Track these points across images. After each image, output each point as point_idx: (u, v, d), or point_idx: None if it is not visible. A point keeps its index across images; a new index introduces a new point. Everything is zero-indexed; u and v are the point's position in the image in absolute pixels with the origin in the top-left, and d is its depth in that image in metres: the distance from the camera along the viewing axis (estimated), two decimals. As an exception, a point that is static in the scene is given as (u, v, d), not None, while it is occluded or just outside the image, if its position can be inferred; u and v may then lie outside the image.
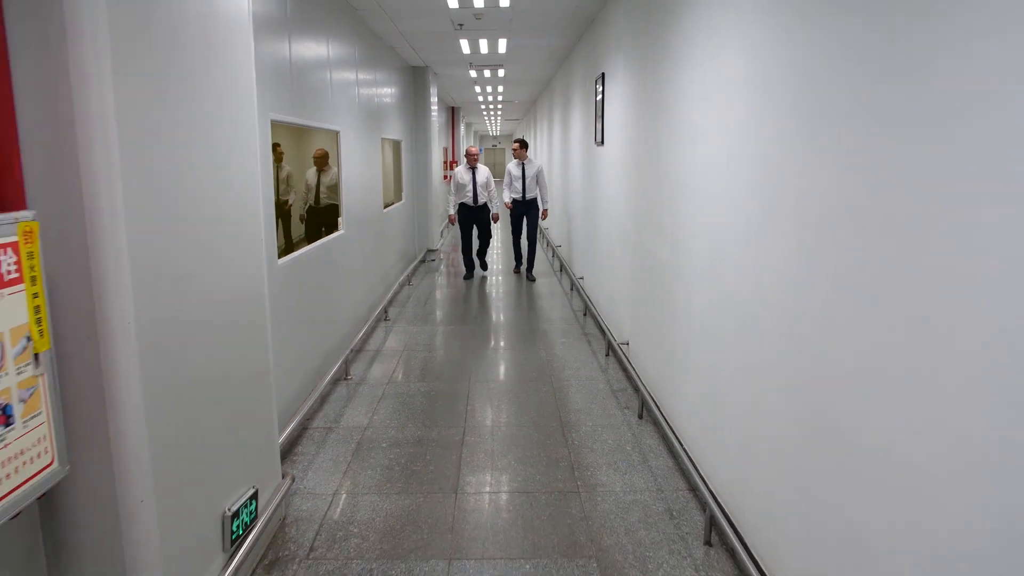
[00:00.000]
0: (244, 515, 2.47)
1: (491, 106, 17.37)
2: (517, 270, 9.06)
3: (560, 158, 9.86)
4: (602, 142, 6.07)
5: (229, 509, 2.38)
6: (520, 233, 8.72)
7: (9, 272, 1.41)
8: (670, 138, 3.70)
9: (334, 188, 6.30)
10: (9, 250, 1.42)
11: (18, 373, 1.45)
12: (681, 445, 3.37)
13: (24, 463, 1.47)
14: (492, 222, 8.57)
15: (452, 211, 8.56)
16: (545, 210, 8.70)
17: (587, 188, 7.13)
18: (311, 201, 7.41)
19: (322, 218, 7.09)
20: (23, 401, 1.46)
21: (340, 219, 5.49)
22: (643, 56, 4.35)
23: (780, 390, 2.28)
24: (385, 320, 6.59)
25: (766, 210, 2.39)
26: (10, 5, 1.59)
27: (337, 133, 5.37)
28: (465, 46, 7.99)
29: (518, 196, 8.37)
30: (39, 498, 1.64)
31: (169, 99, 1.99)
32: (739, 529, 2.62)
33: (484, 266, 8.99)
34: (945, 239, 1.43)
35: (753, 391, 2.53)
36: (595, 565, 2.66)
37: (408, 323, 6.50)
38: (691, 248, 3.32)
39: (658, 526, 2.93)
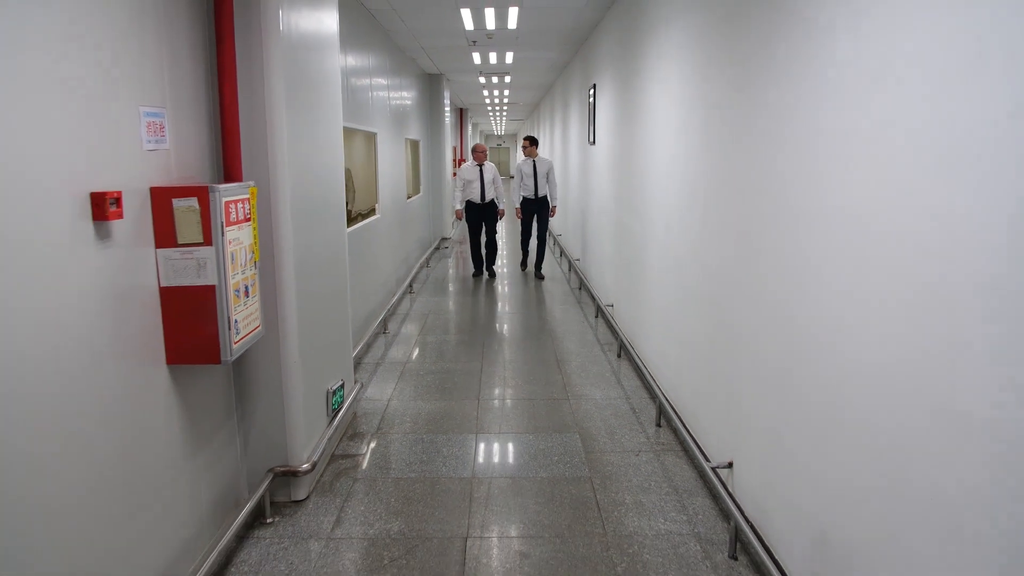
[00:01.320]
0: (338, 395, 3.63)
1: (497, 108, 18.52)
2: (524, 265, 9.07)
3: (560, 155, 11.01)
4: (594, 142, 7.23)
5: (330, 389, 3.54)
6: (530, 232, 8.65)
7: (245, 214, 2.56)
8: (640, 139, 4.86)
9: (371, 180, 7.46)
10: (245, 202, 2.56)
11: (250, 271, 2.60)
12: (646, 370, 4.53)
13: (251, 322, 2.62)
14: (500, 217, 8.53)
15: (459, 206, 8.57)
16: (554, 207, 8.60)
17: (582, 181, 8.29)
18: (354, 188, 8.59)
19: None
20: (249, 287, 2.61)
21: (376, 205, 6.66)
22: (622, 72, 5.51)
23: (703, 316, 3.42)
24: (410, 292, 7.77)
25: (690, 192, 3.55)
26: (239, 73, 2.74)
27: (375, 134, 6.53)
28: (476, 58, 9.15)
29: (530, 195, 8.30)
30: (214, 363, 2.80)
31: (305, 117, 3.15)
32: (679, 413, 3.77)
33: (492, 274, 8.68)
34: (767, 202, 2.59)
35: (687, 318, 3.68)
36: (577, 435, 3.82)
37: (429, 295, 7.67)
38: (653, 220, 4.48)
39: (624, 417, 4.09)
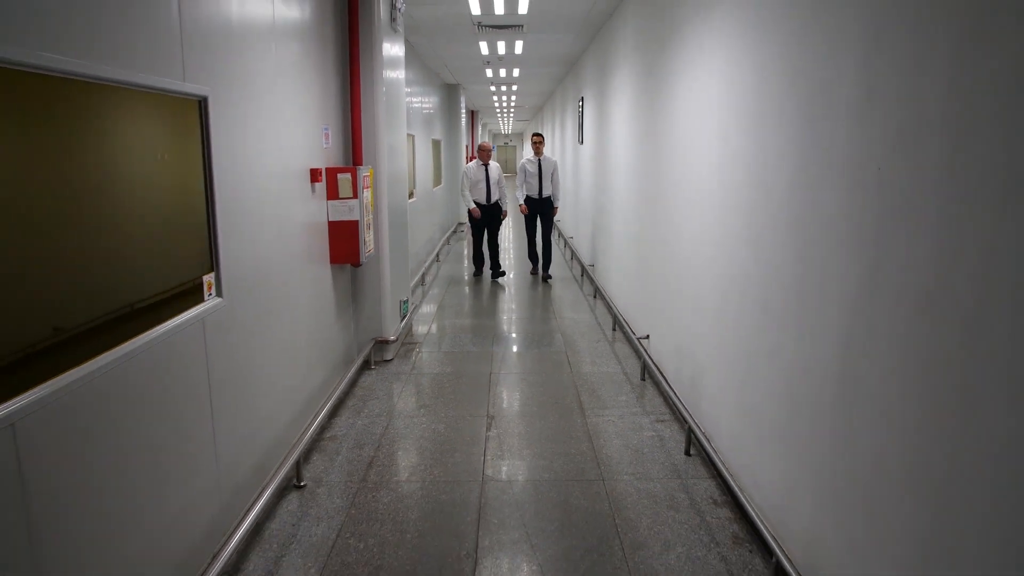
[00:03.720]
0: (404, 306, 5.65)
1: (505, 110, 20.53)
2: (534, 271, 8.65)
3: (559, 152, 13.03)
4: (582, 142, 9.24)
5: (401, 299, 5.57)
6: (535, 233, 8.44)
7: (368, 184, 4.56)
8: (607, 141, 6.87)
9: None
10: (367, 177, 4.56)
11: (369, 216, 4.60)
12: (610, 301, 6.53)
13: (370, 244, 4.63)
14: (503, 218, 8.38)
15: (472, 205, 8.26)
16: (556, 207, 8.42)
17: (574, 173, 10.31)
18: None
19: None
20: (370, 224, 4.62)
21: (413, 190, 8.69)
22: (599, 91, 7.52)
23: (635, 255, 5.41)
24: (437, 261, 9.81)
25: (629, 175, 5.55)
26: (362, 105, 4.75)
27: (413, 136, 8.56)
28: (489, 72, 11.17)
29: (534, 194, 8.13)
30: (356, 266, 4.81)
31: (391, 130, 5.17)
32: (625, 320, 5.77)
33: (502, 273, 8.46)
34: (660, 180, 4.60)
35: (629, 258, 5.69)
36: (560, 336, 5.85)
37: (451, 265, 9.71)
38: (615, 194, 6.49)
39: (592, 330, 6.10)
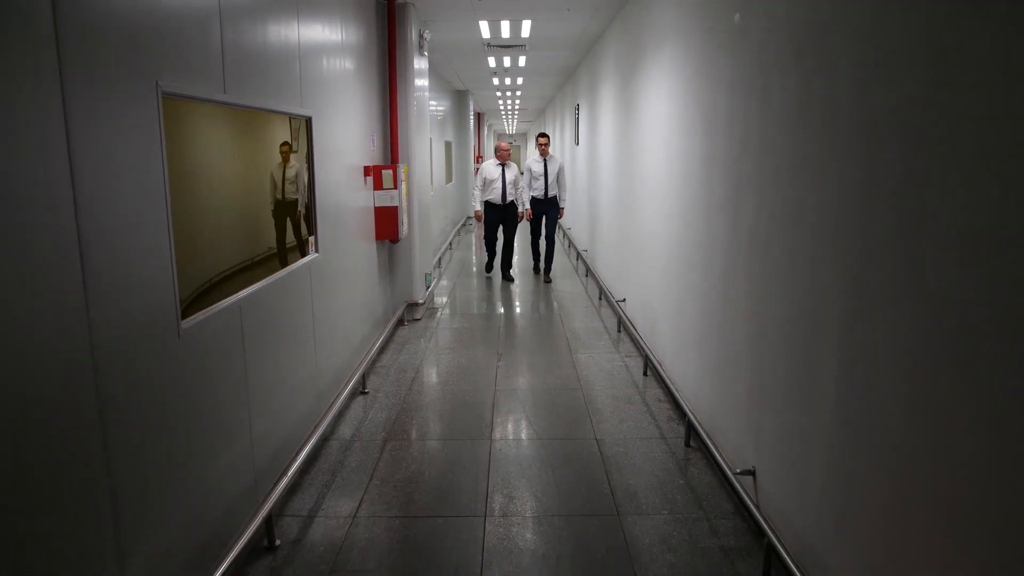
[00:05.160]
0: (428, 278, 6.94)
1: (509, 112, 21.82)
2: (536, 268, 8.75)
3: (559, 151, 14.31)
4: (578, 143, 10.52)
5: (426, 272, 6.85)
6: (539, 233, 8.45)
7: (403, 178, 5.83)
8: (597, 142, 8.14)
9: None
10: (402, 172, 5.83)
11: (404, 203, 5.88)
12: (598, 277, 7.80)
13: (404, 224, 5.90)
14: (519, 221, 8.28)
15: (478, 207, 8.21)
16: (562, 208, 8.43)
17: (571, 170, 11.58)
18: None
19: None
20: (404, 211, 5.89)
21: (431, 184, 9.96)
22: (589, 99, 8.79)
23: (616, 232, 6.68)
24: (451, 248, 11.10)
25: (612, 168, 6.83)
26: (398, 114, 6.04)
27: (430, 139, 9.84)
28: (495, 80, 12.44)
29: (539, 194, 8.14)
30: (394, 242, 6.09)
31: (418, 133, 6.44)
32: (607, 289, 7.03)
33: (511, 277, 8.40)
34: (632, 172, 5.88)
35: (610, 233, 6.96)
36: (556, 304, 7.12)
37: (463, 252, 11.01)
38: (601, 187, 7.76)
39: (582, 299, 7.38)
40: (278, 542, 2.83)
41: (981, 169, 1.52)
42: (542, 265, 8.52)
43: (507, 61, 9.83)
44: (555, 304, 7.12)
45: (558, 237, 12.26)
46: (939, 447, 1.66)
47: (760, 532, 2.71)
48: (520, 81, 12.50)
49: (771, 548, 2.57)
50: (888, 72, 1.87)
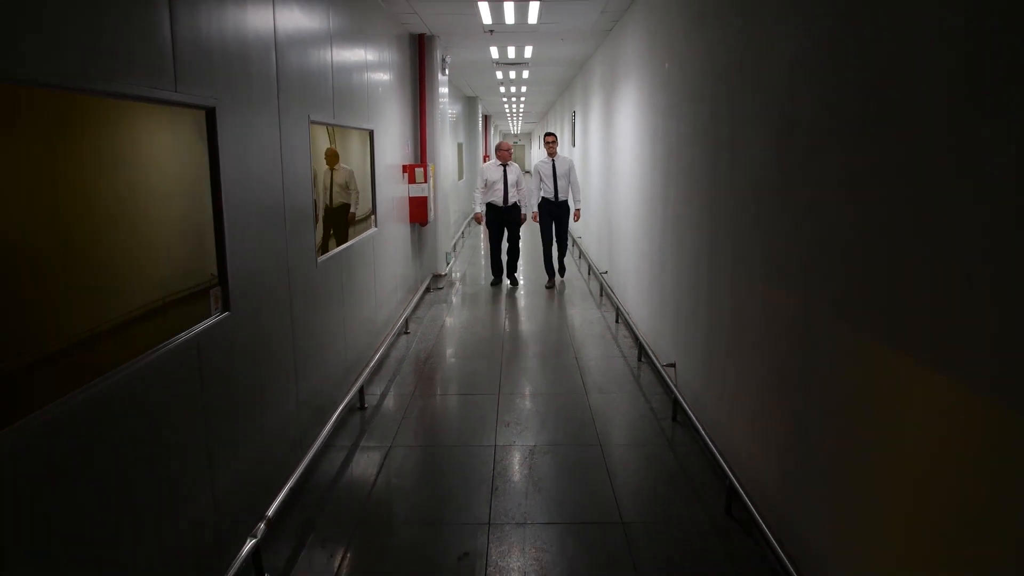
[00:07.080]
0: (448, 256, 8.48)
1: (515, 115, 23.36)
2: (550, 284, 8.11)
3: (559, 151, 15.88)
4: (574, 145, 12.06)
5: (445, 252, 8.39)
6: (551, 240, 7.96)
7: (431, 174, 7.36)
8: (588, 146, 9.68)
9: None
10: (430, 169, 7.37)
11: (432, 193, 7.41)
12: (591, 263, 9.32)
13: (431, 211, 7.44)
14: (522, 223, 8.04)
15: (479, 209, 7.99)
16: (577, 210, 8.18)
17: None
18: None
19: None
20: (432, 199, 7.43)
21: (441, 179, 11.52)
22: (583, 108, 10.33)
23: (603, 220, 8.21)
24: (462, 237, 12.67)
25: (599, 165, 8.36)
26: (426, 122, 7.58)
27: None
28: (502, 88, 13.99)
29: (550, 196, 7.77)
30: (423, 225, 7.64)
31: (442, 135, 7.99)
32: (596, 267, 8.55)
33: (515, 281, 8.22)
34: (612, 167, 7.42)
35: (600, 222, 8.49)
36: (558, 280, 8.68)
37: (473, 240, 12.58)
38: (591, 186, 9.30)
39: (582, 291, 8.92)
40: (366, 405, 4.39)
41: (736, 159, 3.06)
42: (555, 277, 8.15)
43: (512, 74, 11.38)
44: (557, 280, 8.67)
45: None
46: (757, 329, 3.20)
47: (677, 400, 4.26)
48: (524, 89, 14.04)
49: (677, 403, 4.11)
50: (718, 118, 3.42)
